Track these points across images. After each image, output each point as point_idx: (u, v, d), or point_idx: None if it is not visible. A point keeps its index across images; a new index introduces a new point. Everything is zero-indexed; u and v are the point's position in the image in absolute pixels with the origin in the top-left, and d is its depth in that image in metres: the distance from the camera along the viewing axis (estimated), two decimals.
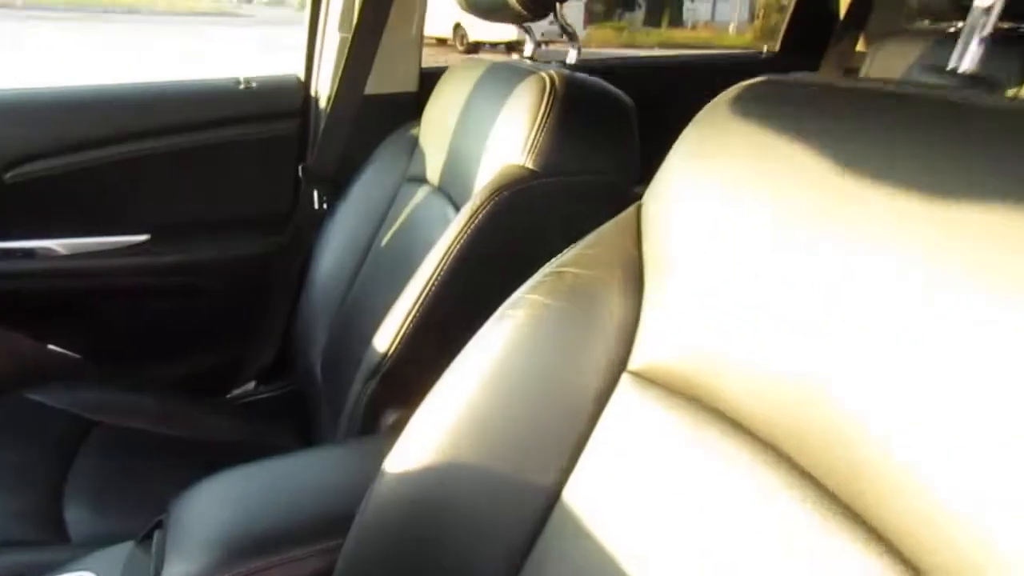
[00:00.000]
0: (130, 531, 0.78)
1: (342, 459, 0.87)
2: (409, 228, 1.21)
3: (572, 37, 1.09)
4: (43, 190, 1.33)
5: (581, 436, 0.58)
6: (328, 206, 1.36)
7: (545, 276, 0.62)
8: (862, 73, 1.52)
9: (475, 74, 1.17)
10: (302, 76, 1.47)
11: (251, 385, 1.48)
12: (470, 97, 1.14)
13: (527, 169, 0.95)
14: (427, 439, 0.61)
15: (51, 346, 1.42)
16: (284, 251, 1.45)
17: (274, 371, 1.49)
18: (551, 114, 0.94)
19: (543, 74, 0.99)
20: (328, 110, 1.40)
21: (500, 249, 0.95)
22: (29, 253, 1.36)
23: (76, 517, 1.05)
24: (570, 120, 0.95)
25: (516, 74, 1.04)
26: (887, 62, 1.50)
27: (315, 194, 1.36)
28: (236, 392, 1.47)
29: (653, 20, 23.04)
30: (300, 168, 1.36)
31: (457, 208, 1.09)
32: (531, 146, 0.94)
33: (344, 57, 1.31)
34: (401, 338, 0.94)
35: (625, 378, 0.57)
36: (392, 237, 1.25)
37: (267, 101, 1.44)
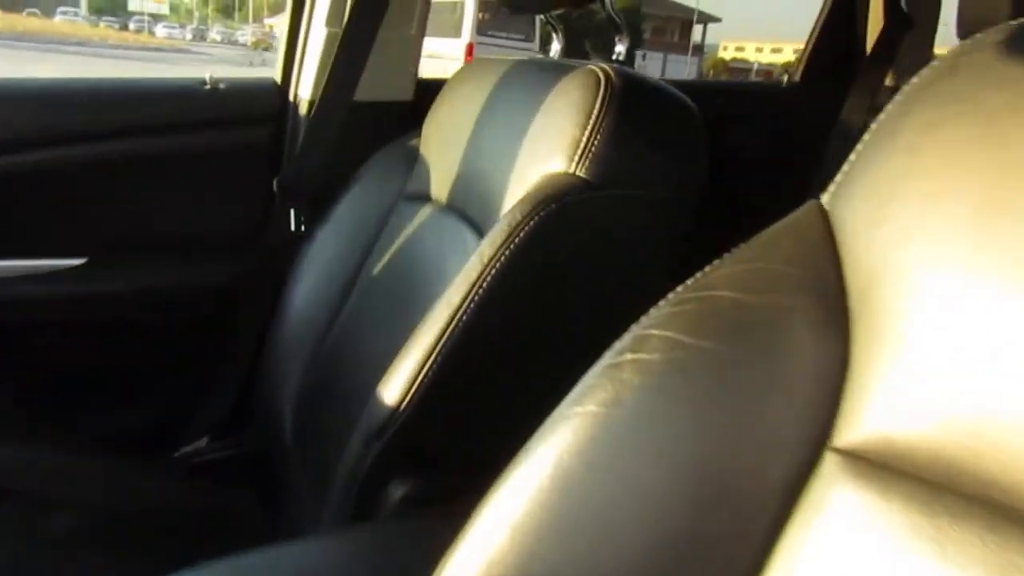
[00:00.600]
0: None
1: (347, 556, 0.64)
2: (411, 254, 1.00)
3: (620, 30, 0.91)
4: None
5: (758, 552, 0.37)
6: (306, 228, 1.15)
7: (680, 303, 0.42)
8: None
9: (495, 73, 0.98)
10: (278, 78, 1.26)
11: (204, 441, 1.23)
12: (492, 99, 0.95)
13: (579, 179, 0.75)
14: (505, 559, 0.40)
15: None
16: (250, 280, 1.22)
17: (232, 424, 1.25)
18: (608, 114, 0.76)
19: (595, 68, 0.80)
20: (309, 117, 1.20)
21: (546, 276, 0.76)
22: None
23: None
24: (631, 122, 0.77)
25: (556, 70, 0.86)
26: None
27: (291, 213, 1.15)
28: (186, 450, 1.22)
29: None
30: (275, 183, 1.15)
31: (477, 228, 0.89)
32: (584, 152, 0.75)
33: (331, 56, 1.12)
34: (418, 388, 0.73)
35: (830, 458, 0.37)
36: (388, 264, 1.04)
37: (237, 105, 1.22)
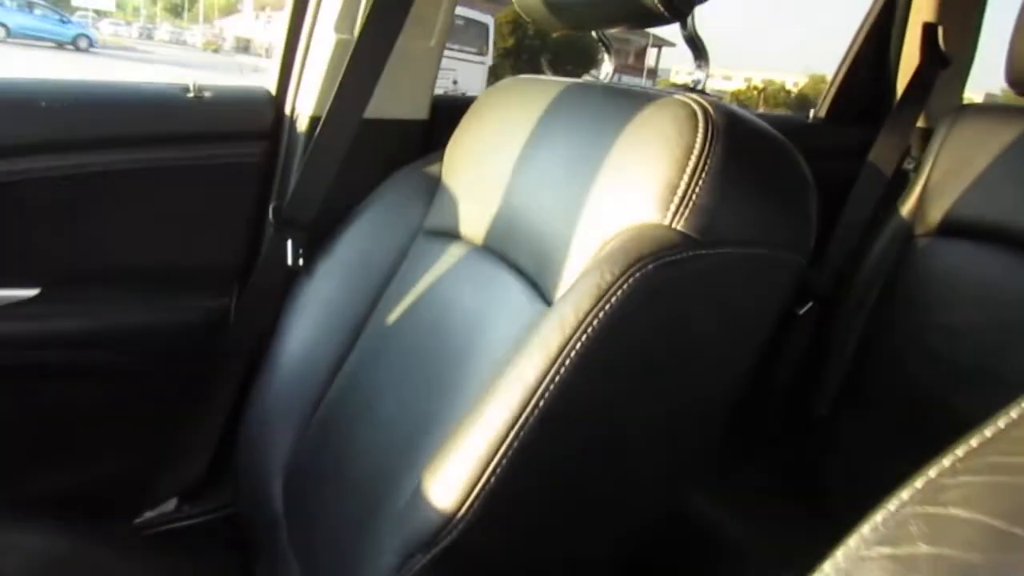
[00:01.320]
0: None
1: None
2: (437, 301, 0.86)
3: (703, 55, 0.79)
4: None
5: None
6: (304, 261, 0.99)
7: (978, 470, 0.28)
8: (934, 150, 1.30)
9: (543, 96, 0.85)
10: (273, 89, 1.11)
11: (171, 505, 1.06)
12: (543, 126, 0.82)
13: (678, 233, 0.62)
14: None
15: None
16: (236, 320, 1.05)
17: (206, 486, 1.08)
18: (712, 157, 0.63)
19: (687, 100, 0.67)
20: (310, 135, 1.04)
21: (642, 349, 0.62)
22: None
23: None
24: (740, 167, 0.64)
25: (630, 98, 0.73)
26: (963, 137, 1.27)
27: (288, 245, 0.99)
28: (150, 515, 1.05)
29: None
30: (270, 209, 0.99)
31: (529, 280, 0.75)
32: (684, 200, 0.62)
33: (341, 66, 0.97)
34: (483, 489, 0.58)
35: None
36: (407, 311, 0.89)
37: (225, 117, 1.06)
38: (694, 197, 0.62)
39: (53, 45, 15.59)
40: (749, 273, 0.65)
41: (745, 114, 0.68)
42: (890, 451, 1.25)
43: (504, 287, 0.78)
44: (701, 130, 0.64)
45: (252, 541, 0.96)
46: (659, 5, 0.69)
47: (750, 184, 0.64)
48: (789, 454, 1.33)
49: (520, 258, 0.78)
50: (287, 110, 1.09)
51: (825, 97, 1.57)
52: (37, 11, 15.82)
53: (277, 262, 1.00)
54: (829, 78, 1.62)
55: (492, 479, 0.57)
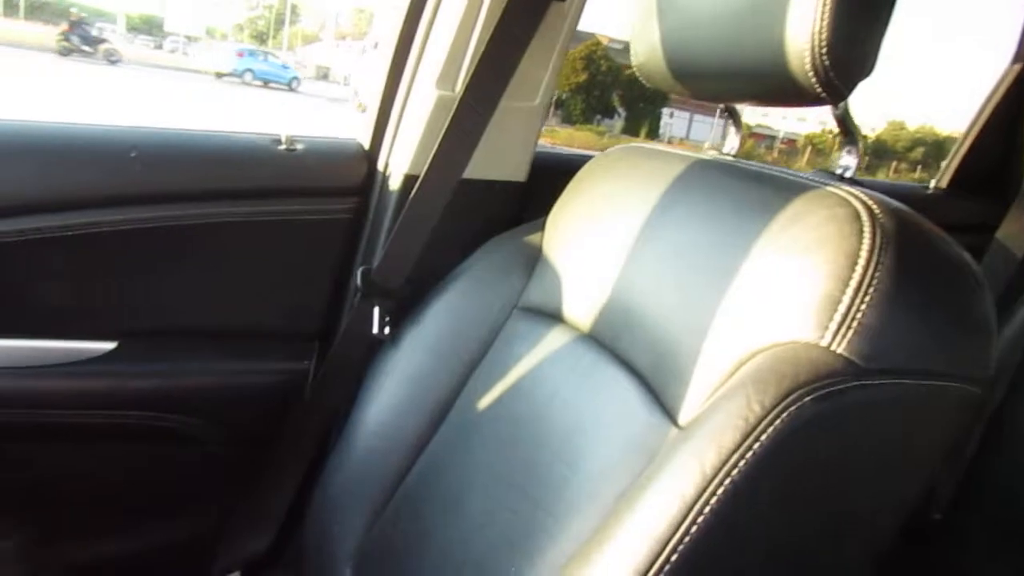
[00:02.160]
0: None
1: None
2: (535, 389, 0.78)
3: (854, 139, 0.70)
4: None
5: None
6: (390, 330, 0.93)
7: None
8: None
9: (665, 169, 0.77)
10: (366, 143, 1.05)
11: None
12: (666, 206, 0.74)
13: (840, 358, 0.53)
14: None
15: None
16: (313, 386, 0.99)
17: (270, 560, 1.02)
18: (880, 271, 0.54)
19: (848, 196, 0.59)
20: (404, 194, 0.99)
21: (794, 492, 0.53)
22: None
23: None
24: (912, 285, 0.55)
25: (781, 188, 0.64)
26: None
27: (375, 312, 0.93)
28: None
29: (632, 129, 23.54)
30: (359, 273, 0.93)
31: (645, 383, 0.67)
32: (847, 320, 0.53)
33: (443, 123, 0.91)
34: None
35: None
36: (501, 397, 0.81)
37: (316, 172, 1.01)
38: (858, 316, 0.53)
39: (283, 87, 20.74)
40: (920, 406, 0.55)
41: (914, 215, 0.59)
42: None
43: (614, 386, 0.70)
44: (868, 235, 0.55)
45: None
46: (816, 86, 0.60)
47: (924, 303, 0.55)
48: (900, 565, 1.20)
49: (634, 357, 0.70)
50: (380, 166, 1.04)
51: (948, 165, 1.45)
52: (270, 58, 22.05)
53: (361, 329, 0.94)
54: (907, 125, 1.50)
55: None
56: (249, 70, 20.13)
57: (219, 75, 19.58)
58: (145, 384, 0.95)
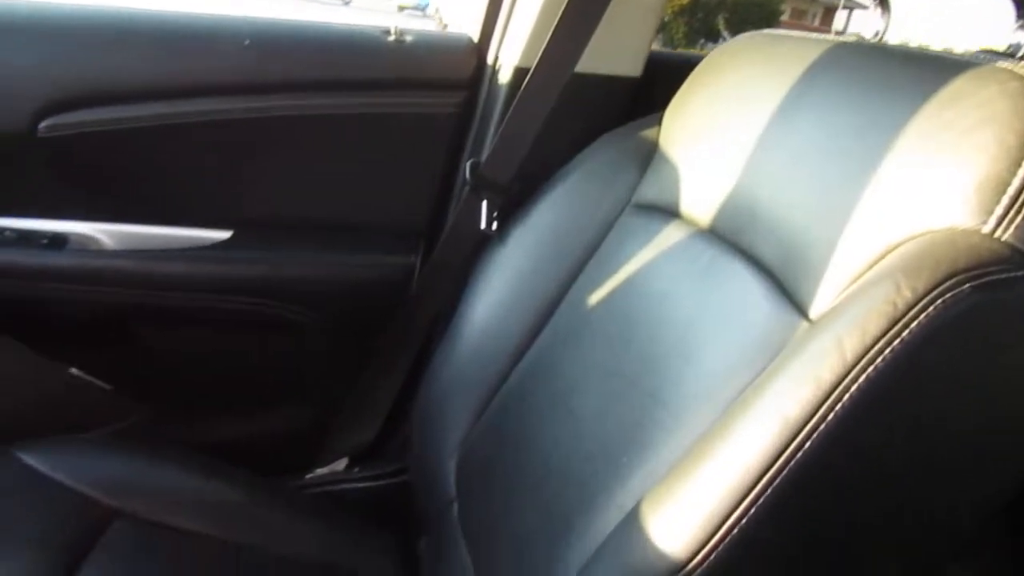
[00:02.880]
0: None
1: None
2: (648, 287, 0.75)
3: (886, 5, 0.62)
4: (89, 152, 0.91)
5: None
6: (499, 226, 0.91)
7: None
8: None
9: (796, 57, 0.71)
10: (476, 35, 1.02)
11: (341, 465, 1.03)
12: (800, 93, 0.68)
13: (1005, 245, 0.48)
14: None
15: (73, 370, 0.99)
16: (419, 282, 0.99)
17: (375, 451, 1.04)
18: None
19: (1018, 71, 0.52)
20: (514, 87, 0.95)
21: (943, 389, 0.49)
22: (59, 240, 0.93)
23: None
24: None
25: (938, 67, 0.58)
26: None
27: (483, 206, 0.91)
28: (320, 472, 1.02)
29: None
30: (468, 166, 0.91)
31: (773, 277, 0.63)
32: (1016, 205, 0.48)
33: (556, 13, 0.86)
34: (728, 535, 0.47)
35: None
36: (611, 295, 0.79)
37: (425, 65, 0.99)
38: None
39: None
40: None
41: None
42: None
43: (736, 281, 0.66)
44: None
45: (420, 514, 0.91)
46: None
47: None
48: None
49: (760, 250, 0.66)
50: (490, 59, 1.00)
51: None
52: None
53: (468, 225, 0.92)
54: None
55: (735, 529, 0.47)
56: None
57: None
58: (257, 272, 0.97)
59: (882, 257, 0.53)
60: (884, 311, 0.46)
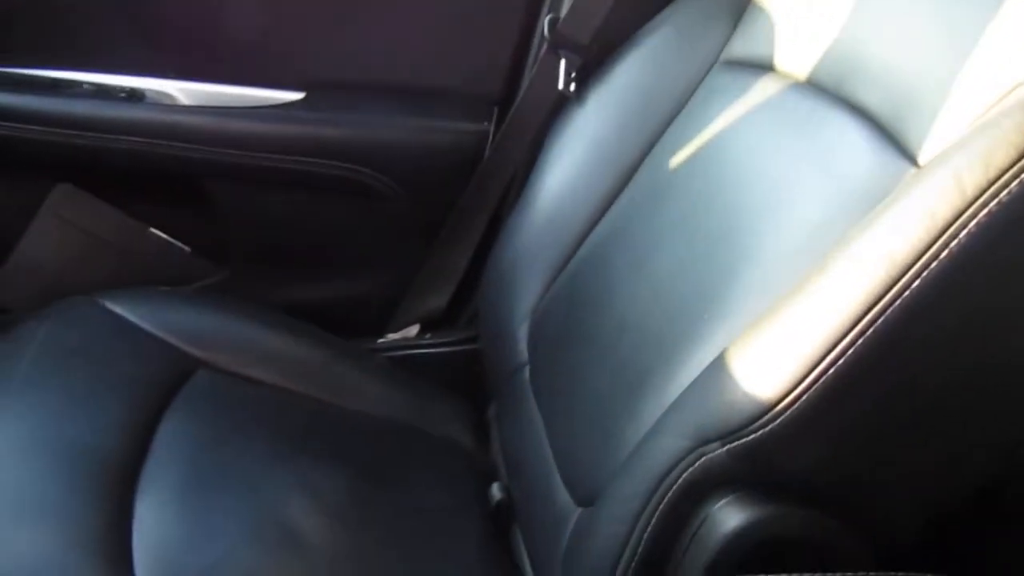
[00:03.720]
0: None
1: None
2: (737, 145, 0.71)
3: None
4: (165, 8, 0.89)
5: None
6: (577, 87, 0.87)
7: None
8: None
9: None
10: None
11: (413, 331, 1.04)
12: None
13: None
14: None
15: (153, 229, 1.01)
16: (494, 145, 0.97)
17: (447, 317, 1.05)
18: None
19: None
20: None
21: None
22: (136, 95, 0.93)
23: (146, 541, 0.64)
24: None
25: None
26: None
27: (561, 67, 0.87)
28: (392, 338, 1.03)
29: None
30: (546, 22, 0.87)
31: (879, 126, 0.58)
32: None
33: None
34: (814, 384, 0.45)
35: None
36: (696, 155, 0.75)
37: None
38: None
39: None
40: None
41: None
42: None
43: (836, 132, 0.62)
44: None
45: (491, 380, 0.91)
46: None
47: None
48: None
49: (865, 98, 0.61)
50: None
51: None
52: None
53: (546, 85, 0.89)
54: None
55: (830, 371, 0.44)
56: None
57: None
58: (330, 133, 0.96)
59: (1007, 95, 0.48)
60: (1013, 142, 0.42)
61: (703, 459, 0.49)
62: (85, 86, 0.91)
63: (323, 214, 1.01)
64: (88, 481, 0.66)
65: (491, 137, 0.98)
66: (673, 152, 0.78)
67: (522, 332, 0.86)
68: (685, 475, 0.49)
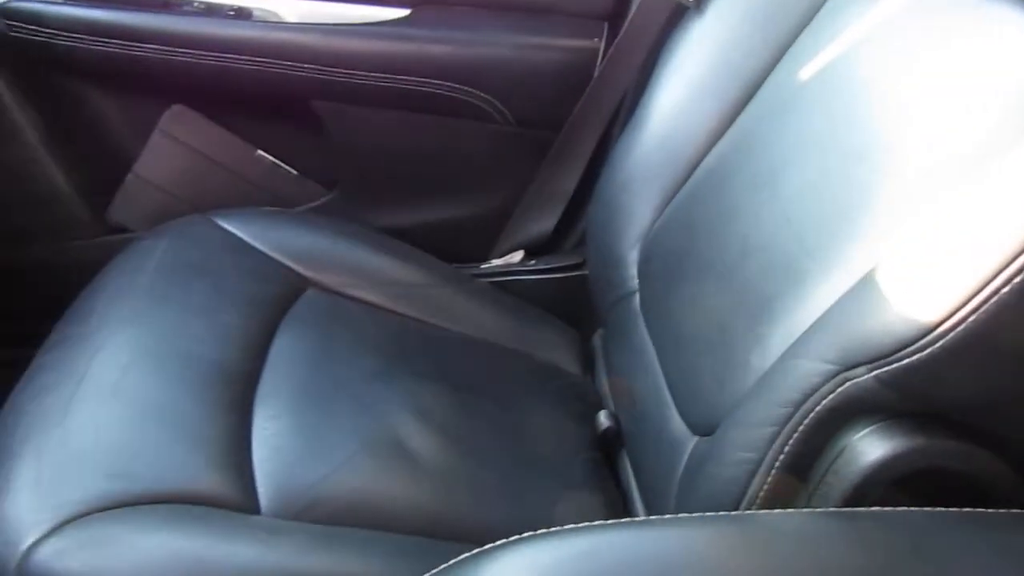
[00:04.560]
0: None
1: None
2: (868, 62, 0.65)
3: None
4: None
5: None
6: None
7: None
8: None
9: None
10: None
11: (517, 256, 1.02)
12: None
13: None
14: None
15: (260, 152, 1.02)
16: (605, 62, 0.92)
17: (553, 242, 1.02)
18: None
19: None
20: None
21: None
22: (244, 12, 0.92)
23: (265, 451, 0.66)
24: None
25: None
26: None
27: None
28: (496, 263, 1.02)
29: None
30: None
31: None
32: None
33: None
34: (973, 312, 0.41)
35: None
36: (824, 72, 0.69)
37: None
38: None
39: None
40: None
41: None
42: None
43: (999, 25, 0.55)
44: None
45: (598, 307, 0.89)
46: None
47: None
48: None
49: None
50: None
51: None
52: None
53: None
54: None
55: (1003, 291, 0.40)
56: None
57: None
58: (437, 52, 0.94)
59: None
60: None
61: (846, 384, 0.45)
62: (196, 4, 0.91)
63: (428, 137, 0.99)
64: (210, 391, 0.67)
65: (601, 54, 0.94)
66: (803, 63, 0.72)
67: (632, 257, 0.83)
68: (825, 401, 0.46)
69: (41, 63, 0.92)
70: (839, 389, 0.46)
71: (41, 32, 0.88)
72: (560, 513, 0.63)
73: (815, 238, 0.60)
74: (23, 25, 0.88)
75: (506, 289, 0.98)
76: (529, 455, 0.75)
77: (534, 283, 1.00)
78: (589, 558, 0.38)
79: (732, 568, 0.38)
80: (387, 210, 1.01)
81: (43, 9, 0.88)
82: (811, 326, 0.51)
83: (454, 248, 1.00)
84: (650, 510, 0.70)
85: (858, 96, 0.64)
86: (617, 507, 0.73)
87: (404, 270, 0.89)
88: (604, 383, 0.87)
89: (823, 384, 0.46)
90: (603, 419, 0.81)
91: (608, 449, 0.80)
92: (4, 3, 0.87)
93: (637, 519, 0.43)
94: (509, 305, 0.93)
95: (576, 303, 0.95)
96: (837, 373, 0.46)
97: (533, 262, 1.00)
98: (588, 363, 0.91)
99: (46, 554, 0.53)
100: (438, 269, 0.92)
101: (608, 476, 0.77)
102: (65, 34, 0.89)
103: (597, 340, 0.93)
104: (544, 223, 1.00)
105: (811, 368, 0.47)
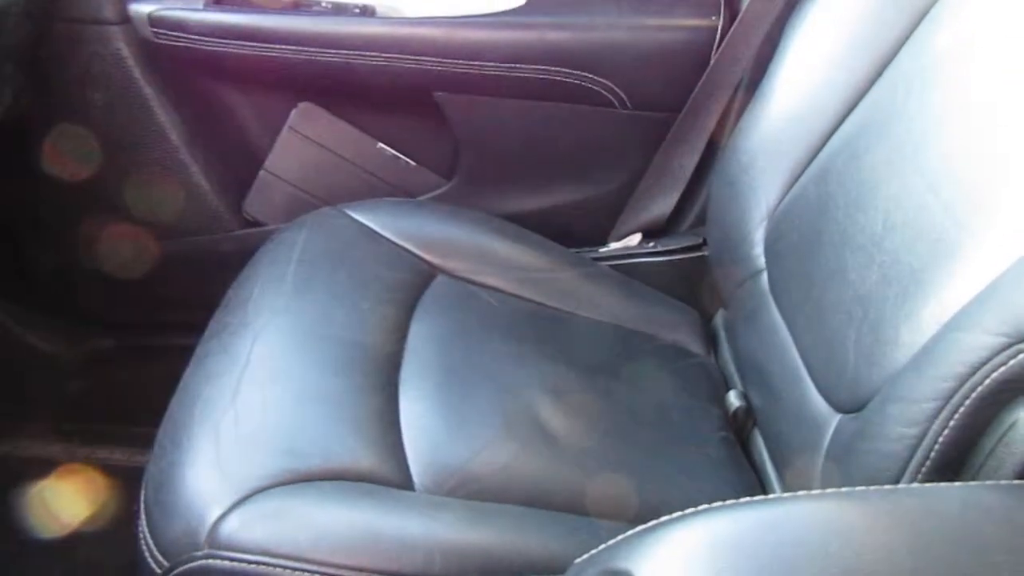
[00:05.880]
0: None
1: None
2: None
3: None
4: None
5: None
6: None
7: None
8: None
9: None
10: None
11: (635, 239, 1.02)
12: None
13: None
14: None
15: (381, 144, 1.05)
16: (724, 41, 0.92)
17: (670, 224, 1.02)
18: None
19: None
20: None
21: None
22: (368, 10, 0.96)
23: (413, 431, 0.69)
24: None
25: None
26: None
27: None
28: (614, 247, 1.02)
29: None
30: None
31: None
32: None
33: None
34: None
35: None
36: (979, 30, 0.67)
37: None
38: None
39: None
40: None
41: None
42: None
43: None
44: None
45: (722, 287, 0.88)
46: None
47: None
48: None
49: None
50: None
51: None
52: None
53: None
54: None
55: None
56: None
57: None
58: (556, 38, 0.95)
59: None
60: None
61: (1020, 356, 0.44)
62: (324, 4, 0.94)
63: (546, 123, 1.00)
64: (358, 374, 0.71)
65: (720, 32, 0.93)
66: (943, 30, 0.70)
67: (758, 236, 0.82)
68: (995, 374, 0.45)
69: (184, 67, 0.98)
70: (1012, 360, 0.45)
71: (184, 38, 0.94)
72: (707, 491, 0.63)
73: (964, 209, 0.59)
74: (168, 32, 0.94)
75: (625, 272, 0.99)
76: (666, 435, 0.76)
77: (653, 265, 1.00)
78: (770, 530, 0.39)
79: (924, 540, 0.38)
80: (505, 197, 1.03)
81: (187, 16, 0.94)
82: (975, 298, 0.50)
83: (572, 233, 1.01)
84: (790, 488, 0.69)
85: (1002, 60, 0.62)
86: (754, 485, 0.74)
87: (528, 255, 0.90)
88: (730, 363, 0.87)
89: (992, 356, 0.46)
90: (733, 399, 0.81)
91: (739, 428, 0.80)
92: (151, 12, 0.93)
93: (812, 492, 0.43)
94: (631, 288, 0.94)
95: (696, 284, 0.96)
96: (1011, 344, 0.45)
97: (652, 244, 1.01)
98: (711, 343, 0.91)
99: (232, 526, 0.57)
100: (560, 254, 0.93)
101: (742, 455, 0.78)
102: (206, 39, 0.94)
103: (719, 320, 0.93)
104: (662, 205, 1.00)
105: (979, 341, 0.47)
